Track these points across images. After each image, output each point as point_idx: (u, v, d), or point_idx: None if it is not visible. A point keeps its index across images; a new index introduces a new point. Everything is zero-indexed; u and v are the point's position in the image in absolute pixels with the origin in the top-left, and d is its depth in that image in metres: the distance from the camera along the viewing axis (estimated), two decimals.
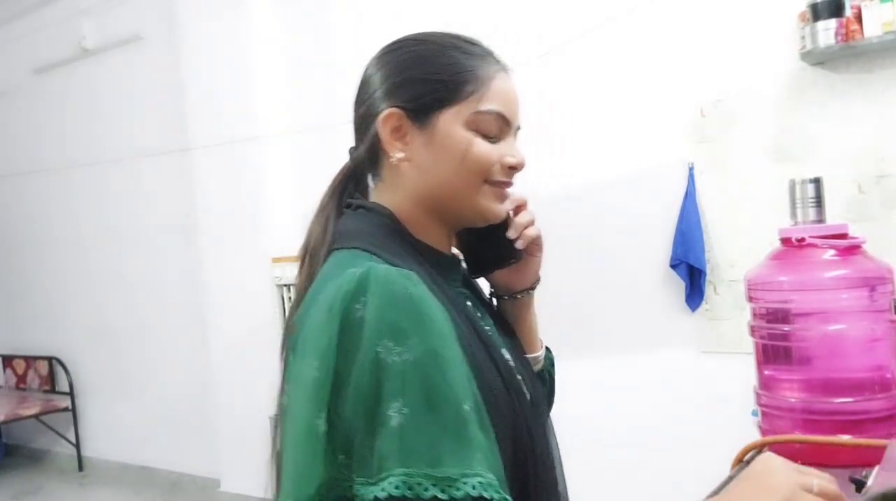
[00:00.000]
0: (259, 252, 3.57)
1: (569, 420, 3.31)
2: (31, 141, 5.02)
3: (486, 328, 0.85)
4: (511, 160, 0.84)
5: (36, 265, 5.13)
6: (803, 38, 2.30)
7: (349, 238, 0.79)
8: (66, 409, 4.77)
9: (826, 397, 1.04)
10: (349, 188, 0.86)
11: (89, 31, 4.49)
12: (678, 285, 2.64)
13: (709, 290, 2.60)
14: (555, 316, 2.93)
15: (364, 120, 0.84)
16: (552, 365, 1.09)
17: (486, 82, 0.82)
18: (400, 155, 0.81)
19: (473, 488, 0.61)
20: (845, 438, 1.00)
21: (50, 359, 4.93)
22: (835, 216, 1.11)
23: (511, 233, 0.90)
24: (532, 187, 2.87)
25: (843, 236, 1.07)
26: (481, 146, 0.81)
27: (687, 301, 2.63)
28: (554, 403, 1.12)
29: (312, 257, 0.80)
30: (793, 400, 1.08)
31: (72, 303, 4.89)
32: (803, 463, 1.03)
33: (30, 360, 5.08)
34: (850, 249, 1.06)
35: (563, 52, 2.74)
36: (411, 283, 0.69)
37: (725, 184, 2.55)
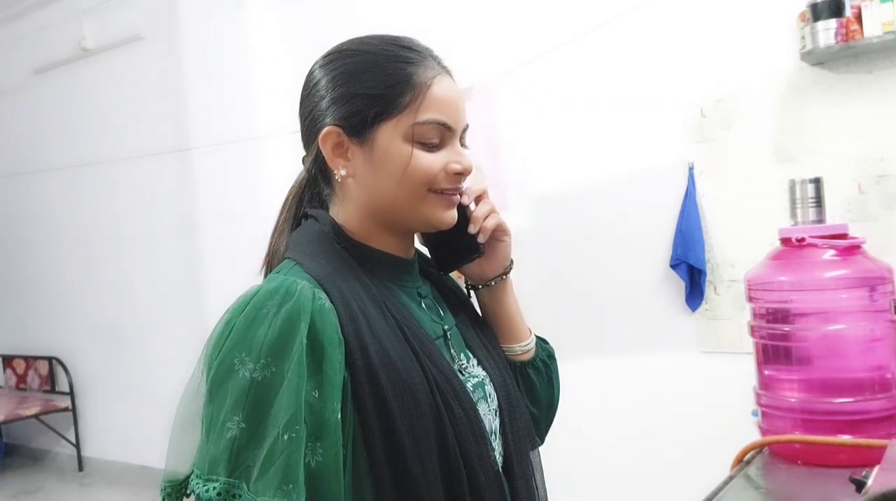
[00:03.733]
0: (259, 252, 3.56)
1: (569, 420, 3.31)
2: (31, 141, 5.02)
3: (443, 328, 0.87)
4: (456, 167, 0.84)
5: (36, 265, 5.12)
6: (803, 38, 2.30)
7: (290, 248, 0.83)
8: (66, 409, 4.77)
9: (826, 397, 1.04)
10: (305, 198, 0.88)
11: (89, 31, 4.48)
12: (678, 285, 2.64)
13: (709, 290, 2.60)
14: (555, 316, 2.95)
15: (308, 135, 0.86)
16: (549, 355, 1.09)
17: (423, 90, 0.81)
18: (343, 171, 0.82)
19: None
20: (845, 438, 1.00)
21: (50, 359, 4.93)
22: (835, 216, 1.11)
23: (471, 229, 0.91)
24: (533, 187, 2.88)
25: (843, 236, 1.07)
26: (422, 158, 0.80)
27: (687, 301, 2.63)
28: (559, 394, 1.10)
29: (269, 269, 0.85)
30: (793, 400, 1.08)
31: (72, 303, 4.89)
32: (803, 463, 1.03)
33: (30, 360, 5.08)
34: (850, 249, 1.06)
35: (563, 52, 2.74)
36: (294, 297, 0.72)
37: (725, 184, 2.55)
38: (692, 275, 2.59)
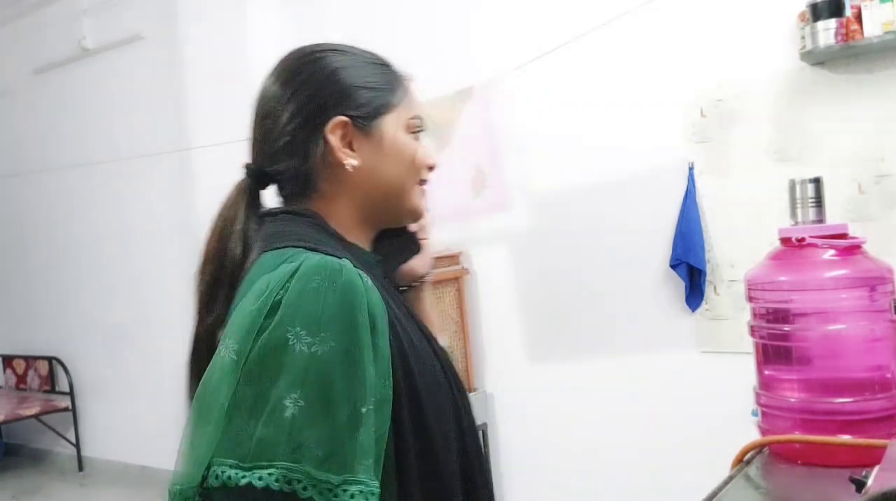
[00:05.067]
0: None
1: (569, 420, 3.32)
2: (32, 141, 5.02)
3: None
4: (432, 160, 0.90)
5: (36, 265, 5.12)
6: (803, 38, 2.30)
7: (280, 238, 0.78)
8: (66, 409, 4.77)
9: (826, 397, 1.04)
10: (255, 203, 0.85)
11: (89, 31, 4.48)
12: (678, 285, 2.64)
13: (709, 290, 2.60)
14: (555, 317, 2.95)
15: (301, 131, 0.82)
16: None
17: (408, 88, 0.88)
18: (354, 162, 0.82)
19: (352, 497, 0.62)
20: (845, 438, 1.00)
21: (50, 359, 4.93)
22: (835, 216, 1.11)
23: (413, 226, 0.95)
24: (533, 187, 2.88)
25: (843, 236, 1.07)
26: (421, 149, 0.87)
27: (687, 301, 2.63)
28: None
29: (239, 270, 0.79)
30: (793, 399, 1.08)
31: (72, 303, 4.89)
32: (803, 463, 1.03)
33: (30, 360, 5.08)
34: (850, 249, 1.06)
35: (563, 52, 2.73)
36: (343, 272, 0.69)
37: (725, 184, 2.55)
38: (692, 275, 2.59)
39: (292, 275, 0.68)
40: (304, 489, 0.61)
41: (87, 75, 4.58)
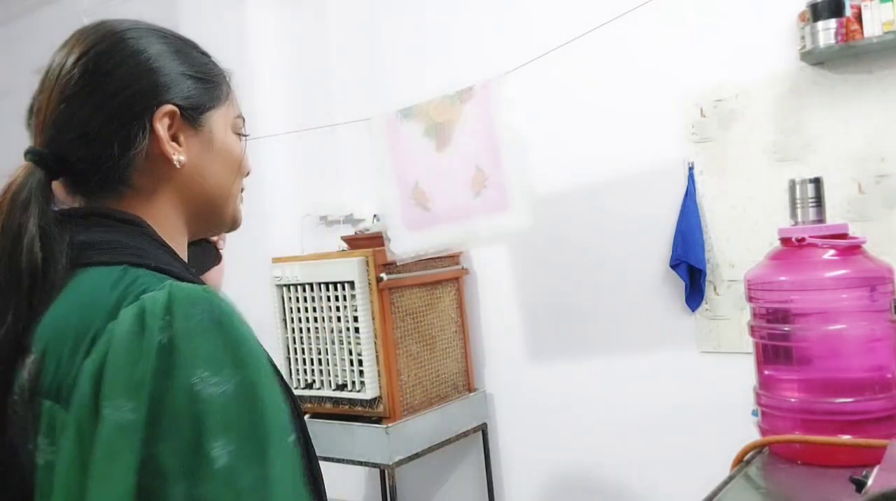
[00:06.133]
0: (259, 252, 3.57)
1: (569, 420, 3.31)
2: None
3: None
4: (250, 167, 0.83)
5: None
6: (803, 38, 2.30)
7: (104, 250, 0.66)
8: None
9: (826, 397, 1.04)
10: (48, 197, 0.70)
11: None
12: (678, 285, 2.64)
13: (709, 290, 2.60)
14: (555, 317, 2.95)
15: (119, 116, 0.70)
16: None
17: (230, 86, 0.80)
18: (182, 157, 0.72)
19: None
20: (845, 438, 1.00)
21: None
22: (835, 216, 1.11)
23: (213, 237, 0.93)
24: (533, 187, 2.88)
25: (843, 236, 1.07)
26: (246, 154, 0.80)
27: (687, 301, 2.63)
28: None
29: (39, 279, 0.64)
30: (793, 400, 1.08)
31: None
32: (803, 463, 1.03)
33: None
34: (850, 249, 1.06)
35: (563, 52, 2.73)
36: (217, 303, 0.62)
37: (725, 184, 2.55)
38: (692, 275, 2.59)
39: (167, 312, 0.58)
40: None
41: None
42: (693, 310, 2.63)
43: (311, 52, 3.58)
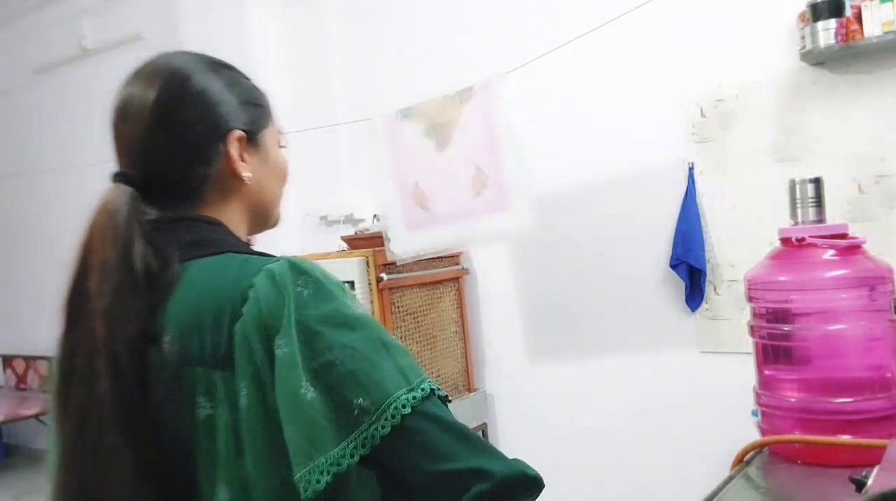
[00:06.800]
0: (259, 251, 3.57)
1: (569, 420, 3.31)
2: (31, 141, 5.01)
3: None
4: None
5: (36, 265, 5.12)
6: (803, 38, 2.30)
7: (207, 246, 0.82)
8: None
9: (826, 397, 1.04)
10: (142, 210, 0.83)
11: (89, 31, 4.48)
12: (678, 285, 2.64)
13: (709, 290, 2.60)
14: (555, 317, 2.95)
15: (199, 142, 0.85)
16: None
17: (271, 104, 0.96)
18: (249, 174, 0.88)
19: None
20: (845, 438, 1.00)
21: (50, 359, 4.91)
22: (835, 216, 1.11)
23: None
24: (533, 187, 2.89)
25: (843, 236, 1.07)
26: (288, 163, 0.97)
27: (687, 301, 2.63)
28: None
29: (155, 277, 0.78)
30: (793, 399, 1.08)
31: None
32: (803, 463, 1.03)
33: (30, 360, 5.08)
34: (850, 249, 1.06)
35: (563, 52, 2.73)
36: (317, 265, 0.79)
37: (725, 184, 2.55)
38: (692, 275, 2.59)
39: (293, 273, 0.75)
40: (439, 388, 0.75)
41: (87, 75, 4.58)
42: (693, 310, 2.63)
43: (311, 52, 3.58)
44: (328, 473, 0.67)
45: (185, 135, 0.84)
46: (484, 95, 2.94)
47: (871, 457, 0.90)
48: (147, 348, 0.75)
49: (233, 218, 0.88)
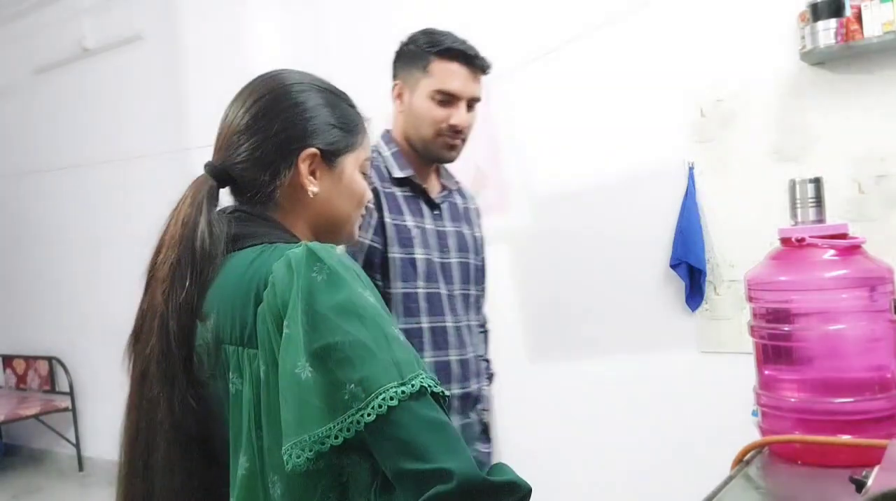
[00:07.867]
0: None
1: (569, 420, 3.31)
2: (31, 141, 5.02)
3: None
4: (370, 198, 1.03)
5: (36, 265, 5.12)
6: (803, 38, 2.30)
7: (252, 238, 0.89)
8: (66, 409, 4.76)
9: (826, 397, 1.04)
10: (216, 199, 0.93)
11: (89, 31, 4.48)
12: (678, 285, 2.64)
13: (709, 290, 2.60)
14: (555, 317, 2.95)
15: (276, 152, 0.91)
16: None
17: (366, 133, 1.00)
18: (315, 189, 0.93)
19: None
20: (845, 438, 1.00)
21: (50, 359, 4.93)
22: (835, 216, 1.11)
23: None
24: (533, 187, 2.88)
25: (843, 236, 1.07)
26: (368, 188, 0.99)
27: (687, 301, 2.63)
28: None
29: (207, 260, 0.87)
30: (793, 400, 1.08)
31: (72, 303, 4.89)
32: (803, 463, 1.03)
33: (30, 360, 5.08)
34: (850, 249, 1.06)
35: (563, 52, 2.74)
36: (336, 251, 0.82)
37: (725, 184, 2.55)
38: (692, 275, 2.59)
39: (308, 258, 0.78)
40: (437, 384, 0.76)
41: (87, 75, 4.58)
42: (693, 310, 2.63)
43: (310, 52, 3.58)
44: (310, 450, 0.71)
45: (265, 141, 0.91)
46: (484, 95, 2.94)
47: (871, 457, 0.90)
48: (194, 325, 0.86)
49: (296, 224, 0.94)
